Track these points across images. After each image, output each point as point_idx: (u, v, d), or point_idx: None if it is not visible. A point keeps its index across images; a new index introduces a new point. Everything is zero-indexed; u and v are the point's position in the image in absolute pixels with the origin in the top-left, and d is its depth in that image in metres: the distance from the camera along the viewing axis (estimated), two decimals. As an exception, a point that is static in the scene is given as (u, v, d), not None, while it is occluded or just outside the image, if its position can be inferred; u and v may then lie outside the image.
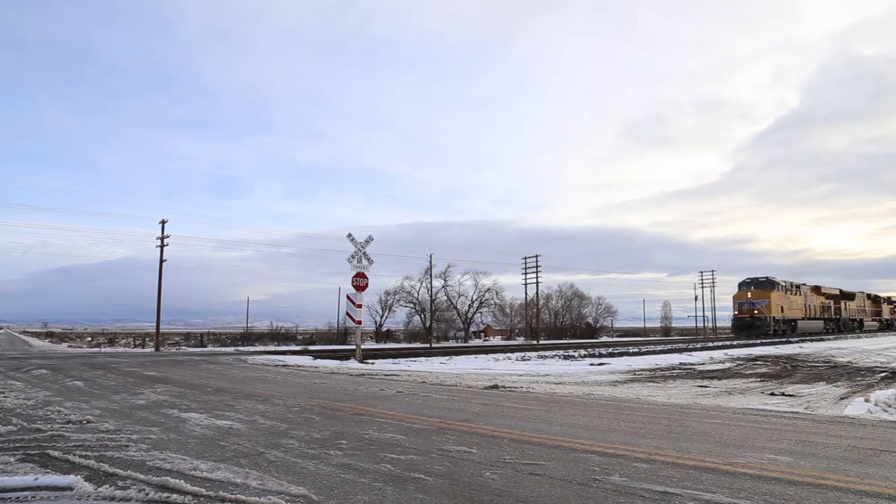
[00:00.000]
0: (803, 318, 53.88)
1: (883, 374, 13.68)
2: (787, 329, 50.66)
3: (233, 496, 3.67)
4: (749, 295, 50.21)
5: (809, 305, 55.93)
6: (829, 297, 60.60)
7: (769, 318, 48.09)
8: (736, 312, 51.92)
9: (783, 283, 51.55)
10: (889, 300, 77.20)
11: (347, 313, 21.81)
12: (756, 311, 49.01)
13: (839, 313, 61.77)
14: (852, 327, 63.94)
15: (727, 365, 17.60)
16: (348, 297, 21.14)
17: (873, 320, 70.25)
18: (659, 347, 30.79)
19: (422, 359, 22.75)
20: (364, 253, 21.08)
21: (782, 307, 50.36)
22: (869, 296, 71.36)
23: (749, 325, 48.76)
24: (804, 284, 56.25)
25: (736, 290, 53.13)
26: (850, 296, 65.04)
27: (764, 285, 50.15)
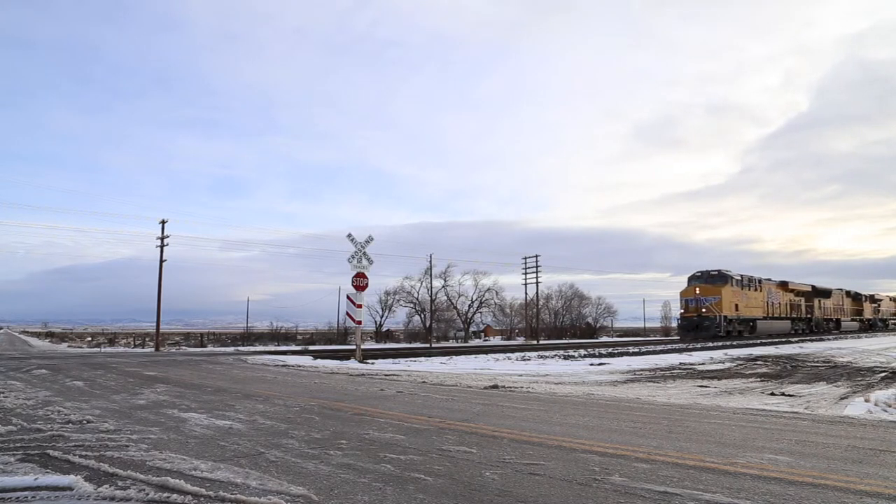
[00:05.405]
0: (765, 318, 47.09)
1: (883, 374, 13.67)
2: (744, 330, 44.38)
3: (233, 496, 3.67)
4: (697, 291, 42.84)
5: (773, 303, 49.23)
6: (798, 293, 53.65)
7: (719, 317, 41.49)
8: (682, 311, 44.38)
9: (738, 278, 44.58)
10: (872, 298, 69.84)
11: (347, 313, 21.82)
12: (704, 310, 41.88)
13: (811, 312, 54.94)
14: (827, 328, 57.35)
15: (727, 365, 17.59)
16: (348, 297, 21.15)
17: (853, 320, 63.65)
18: (659, 347, 30.77)
19: (422, 359, 22.74)
20: (364, 253, 21.09)
21: (737, 305, 43.61)
22: (848, 293, 64.51)
23: (696, 325, 41.86)
24: (768, 279, 49.54)
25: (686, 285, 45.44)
26: (824, 293, 57.44)
27: (715, 280, 42.88)
